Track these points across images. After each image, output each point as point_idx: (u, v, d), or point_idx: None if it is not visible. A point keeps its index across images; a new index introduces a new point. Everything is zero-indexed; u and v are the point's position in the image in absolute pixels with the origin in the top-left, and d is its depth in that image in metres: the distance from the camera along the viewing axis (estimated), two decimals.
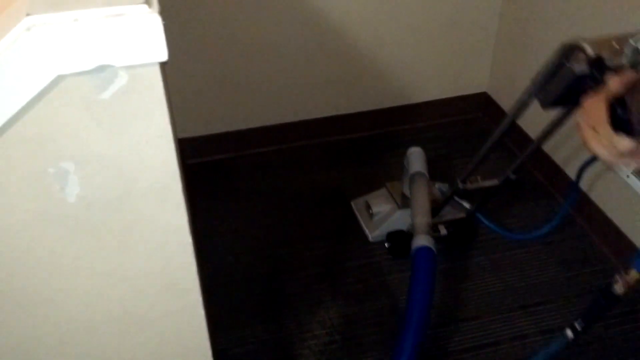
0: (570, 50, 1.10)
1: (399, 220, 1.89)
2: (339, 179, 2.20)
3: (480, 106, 2.51)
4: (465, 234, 1.91)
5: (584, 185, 1.92)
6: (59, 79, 0.71)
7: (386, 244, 1.86)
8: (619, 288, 1.10)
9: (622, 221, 1.81)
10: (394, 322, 1.67)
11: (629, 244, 1.77)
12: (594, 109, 0.78)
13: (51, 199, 0.80)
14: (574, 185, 1.55)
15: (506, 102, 2.37)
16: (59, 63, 0.69)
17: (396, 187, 1.95)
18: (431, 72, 2.38)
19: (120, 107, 0.75)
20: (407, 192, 1.83)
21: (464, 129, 2.46)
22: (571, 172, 1.99)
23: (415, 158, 1.82)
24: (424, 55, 2.34)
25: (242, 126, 2.29)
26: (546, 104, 1.22)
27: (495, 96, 2.45)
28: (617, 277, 1.10)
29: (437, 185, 1.91)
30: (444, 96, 2.46)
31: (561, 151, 2.06)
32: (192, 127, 2.23)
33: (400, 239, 1.84)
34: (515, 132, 2.15)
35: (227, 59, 2.13)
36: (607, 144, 0.76)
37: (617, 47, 0.99)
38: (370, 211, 1.93)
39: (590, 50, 1.00)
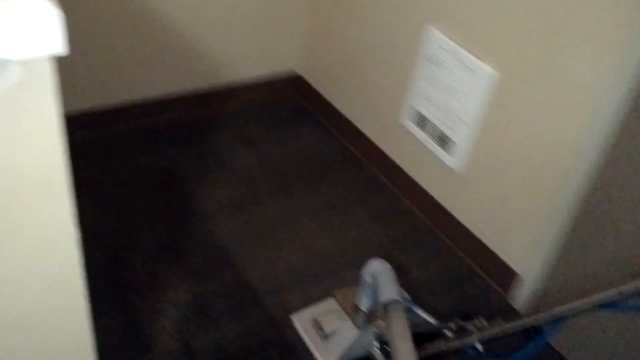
0: None
1: (359, 344, 1.55)
2: (165, 161, 2.20)
3: (293, 86, 2.67)
4: None
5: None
6: None
7: None
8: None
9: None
10: (240, 292, 1.76)
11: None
12: None
13: None
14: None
15: (319, 83, 2.56)
16: None
17: (347, 298, 1.62)
18: (245, 52, 2.48)
19: (11, 102, 0.73)
20: (361, 305, 1.49)
21: (280, 108, 2.60)
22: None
23: (383, 275, 1.37)
24: (237, 37, 2.42)
25: None
26: None
27: (307, 77, 2.63)
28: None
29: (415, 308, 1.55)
30: (258, 77, 2.57)
31: None
32: None
33: None
34: None
35: None
36: None
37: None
38: (322, 332, 1.61)
39: None
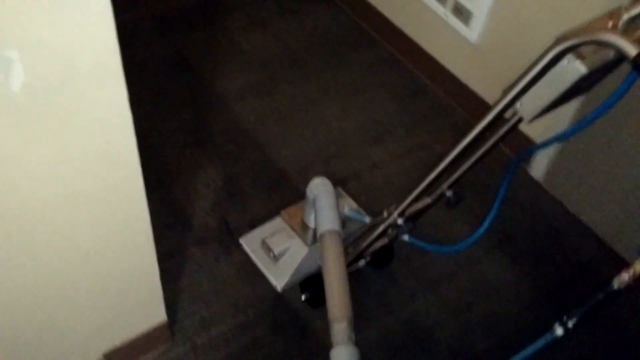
0: (570, 48, 0.92)
1: (310, 261, 1.55)
2: (179, 48, 2.21)
3: None
4: (385, 258, 1.69)
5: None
6: None
7: (302, 296, 1.58)
8: (619, 284, 0.99)
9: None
10: (269, 170, 1.85)
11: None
12: None
13: None
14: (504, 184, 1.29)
15: None
16: None
17: (294, 216, 1.59)
18: None
19: None
20: (309, 222, 1.50)
21: None
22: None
23: (323, 202, 1.39)
24: None
25: None
26: (532, 113, 1.05)
27: None
28: (622, 272, 0.98)
29: (347, 209, 1.57)
30: None
31: None
32: None
33: (318, 286, 1.49)
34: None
35: None
36: None
37: (611, 24, 0.89)
38: (272, 254, 1.57)
39: (631, 49, 0.84)
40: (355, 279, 1.62)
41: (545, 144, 1.27)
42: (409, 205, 1.32)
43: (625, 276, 0.96)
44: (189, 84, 2.09)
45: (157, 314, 1.40)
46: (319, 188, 1.42)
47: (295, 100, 2.09)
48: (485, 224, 1.29)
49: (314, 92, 2.12)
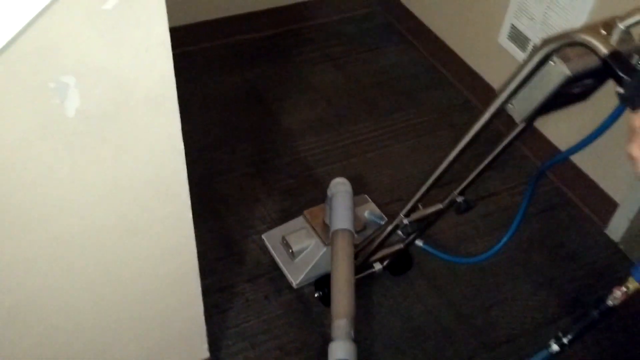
0: (555, 49, 0.94)
1: (326, 260, 1.54)
2: (250, 79, 2.22)
3: (380, 1, 2.58)
4: (402, 265, 1.67)
5: None
6: None
7: (316, 294, 1.60)
8: (613, 300, 1.02)
9: None
10: None
11: None
12: None
13: (51, 113, 0.79)
14: (526, 197, 1.36)
15: None
16: None
17: (316, 216, 1.63)
18: None
19: (121, 17, 0.75)
20: (329, 222, 1.51)
21: (366, 24, 2.53)
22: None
23: (339, 202, 1.45)
24: None
25: None
26: (522, 115, 1.06)
27: None
28: (614, 289, 1.01)
29: (368, 213, 1.64)
30: None
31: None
32: None
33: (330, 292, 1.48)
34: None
35: None
36: None
37: (605, 32, 0.88)
38: (290, 250, 1.60)
39: (601, 47, 0.84)
40: (371, 284, 1.62)
41: (569, 153, 1.23)
42: (415, 206, 1.34)
43: (618, 293, 1.00)
44: (256, 115, 2.09)
45: (199, 351, 1.36)
46: (337, 187, 1.49)
47: (362, 138, 2.04)
48: (505, 239, 1.38)
49: (382, 131, 2.07)
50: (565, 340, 1.08)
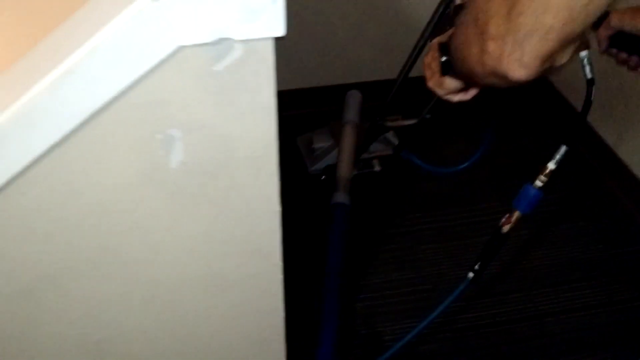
0: None
1: (336, 156, 2.08)
2: None
3: None
4: (394, 170, 2.14)
5: None
6: (178, 50, 0.72)
7: (322, 177, 2.09)
8: (505, 228, 1.20)
9: None
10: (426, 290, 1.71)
11: None
12: (432, 52, 0.95)
13: (155, 163, 0.82)
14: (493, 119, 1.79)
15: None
16: (182, 34, 0.71)
17: (338, 126, 2.13)
18: None
19: (230, 79, 0.77)
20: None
21: None
22: None
23: (350, 103, 2.02)
24: None
25: None
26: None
27: None
28: (503, 218, 1.20)
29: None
30: None
31: None
32: None
33: (334, 171, 2.02)
34: None
35: None
36: (439, 83, 0.94)
37: None
38: (312, 146, 2.17)
39: None
40: None
41: None
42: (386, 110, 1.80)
43: (507, 225, 1.20)
44: None
45: None
46: (352, 93, 2.12)
47: None
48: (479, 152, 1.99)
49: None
50: (476, 267, 1.28)
